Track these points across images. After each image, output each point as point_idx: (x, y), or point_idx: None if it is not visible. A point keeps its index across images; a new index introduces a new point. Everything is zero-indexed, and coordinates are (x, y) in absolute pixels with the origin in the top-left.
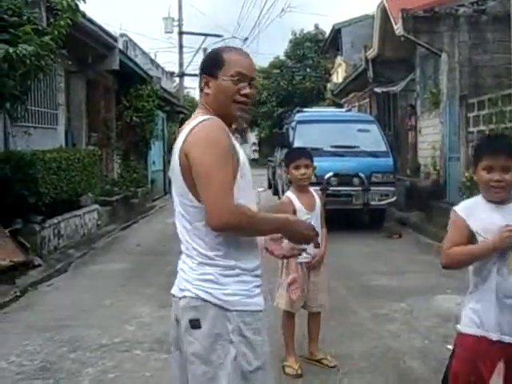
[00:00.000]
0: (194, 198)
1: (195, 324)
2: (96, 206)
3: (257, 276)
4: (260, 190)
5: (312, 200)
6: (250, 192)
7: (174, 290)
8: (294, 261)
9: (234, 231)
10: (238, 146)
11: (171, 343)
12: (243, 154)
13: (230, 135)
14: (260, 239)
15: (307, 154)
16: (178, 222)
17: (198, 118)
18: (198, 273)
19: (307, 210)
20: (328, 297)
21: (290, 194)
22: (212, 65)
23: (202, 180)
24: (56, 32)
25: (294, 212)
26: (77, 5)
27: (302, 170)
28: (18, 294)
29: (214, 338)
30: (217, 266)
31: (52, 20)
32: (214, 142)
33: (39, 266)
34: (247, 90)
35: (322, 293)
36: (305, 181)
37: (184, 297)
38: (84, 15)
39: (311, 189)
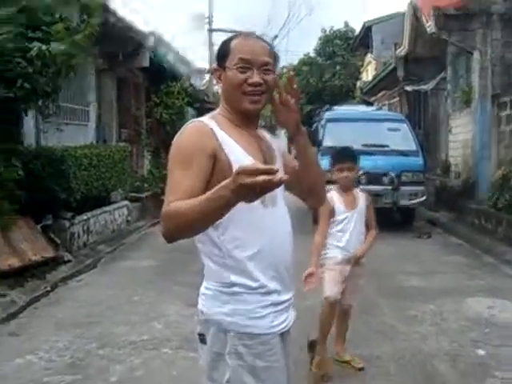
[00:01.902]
0: None
1: (202, 339)
2: (126, 202)
3: (266, 294)
4: None
5: (354, 199)
6: (257, 208)
7: None
8: (333, 257)
9: (177, 234)
10: (237, 151)
11: None
12: (252, 162)
13: (221, 138)
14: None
15: (352, 156)
16: None
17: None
18: (204, 286)
19: (346, 208)
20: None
21: (331, 193)
22: (220, 55)
23: None
24: (87, 31)
25: (333, 211)
26: (108, 3)
27: (345, 173)
28: (49, 289)
29: (214, 356)
30: (215, 281)
31: (84, 19)
32: (177, 147)
33: (69, 261)
34: (255, 78)
35: (352, 292)
36: (346, 183)
37: (198, 309)
38: (115, 13)
39: (357, 189)
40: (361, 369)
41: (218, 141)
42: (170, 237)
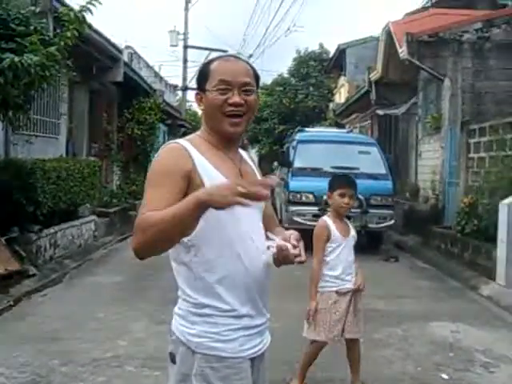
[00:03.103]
0: None
1: (172, 358)
2: (93, 217)
3: (237, 317)
4: None
5: (347, 228)
6: (233, 228)
7: None
8: (329, 294)
9: (148, 246)
10: (212, 174)
11: None
12: (223, 181)
13: (197, 161)
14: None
15: (354, 184)
16: None
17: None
18: (177, 306)
19: (342, 236)
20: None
21: (326, 219)
22: (200, 78)
23: None
24: (62, 43)
25: (329, 237)
26: (84, 16)
27: (346, 200)
28: (11, 303)
29: (182, 377)
30: (187, 301)
31: (59, 30)
32: (153, 168)
33: (34, 275)
34: (235, 99)
35: (352, 328)
36: (346, 210)
37: (171, 329)
38: (90, 26)
39: (345, 218)
40: None
41: (193, 162)
42: (141, 250)
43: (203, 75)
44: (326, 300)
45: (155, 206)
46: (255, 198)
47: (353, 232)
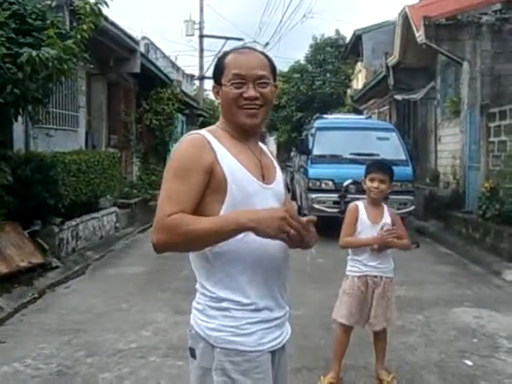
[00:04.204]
0: None
1: (192, 353)
2: (114, 209)
3: (255, 311)
4: None
5: (380, 214)
6: None
7: None
8: (352, 273)
9: (172, 248)
10: (234, 166)
11: None
12: (247, 176)
13: (218, 152)
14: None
15: (387, 170)
16: None
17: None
18: (195, 300)
19: (371, 222)
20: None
21: (359, 203)
22: (216, 72)
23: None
24: (79, 36)
25: (356, 220)
26: (100, 9)
27: (376, 184)
28: (36, 295)
29: (202, 371)
30: (205, 295)
31: (75, 24)
32: (175, 158)
33: (57, 267)
34: (250, 93)
35: (387, 309)
36: (375, 194)
37: (190, 323)
38: (106, 19)
39: (385, 205)
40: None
41: (214, 154)
42: (163, 248)
43: (218, 69)
44: (351, 284)
45: (180, 200)
46: (299, 242)
47: (385, 219)
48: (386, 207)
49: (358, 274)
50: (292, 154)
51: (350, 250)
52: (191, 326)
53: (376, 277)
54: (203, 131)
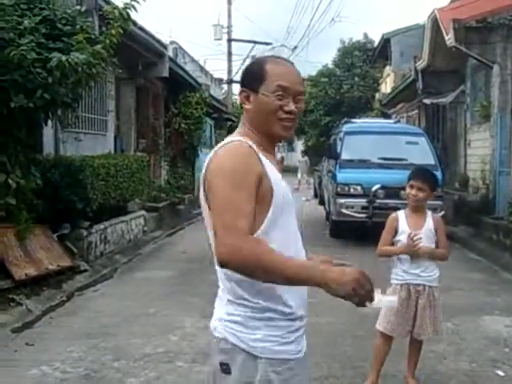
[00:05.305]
0: None
1: (225, 369)
2: (143, 212)
3: (294, 320)
4: (304, 199)
5: (421, 221)
6: (291, 235)
7: (211, 323)
8: (395, 281)
9: (240, 273)
10: (275, 176)
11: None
12: (285, 187)
13: (263, 161)
14: None
15: (428, 178)
16: None
17: (226, 139)
18: (226, 312)
19: (411, 229)
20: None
21: (399, 212)
22: (253, 78)
23: (214, 210)
24: (108, 41)
25: (396, 230)
26: (128, 14)
27: (414, 191)
28: (64, 298)
29: None
30: (245, 306)
31: (104, 29)
32: (229, 170)
33: (85, 271)
34: (291, 107)
35: (436, 320)
36: (413, 201)
37: (215, 337)
38: (135, 23)
39: (428, 212)
40: None
41: (261, 164)
42: (231, 266)
43: (256, 76)
44: (393, 293)
45: (247, 216)
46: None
47: (428, 226)
48: (429, 213)
49: (400, 282)
50: (322, 158)
51: (395, 258)
52: (223, 340)
53: (419, 285)
54: (244, 139)
